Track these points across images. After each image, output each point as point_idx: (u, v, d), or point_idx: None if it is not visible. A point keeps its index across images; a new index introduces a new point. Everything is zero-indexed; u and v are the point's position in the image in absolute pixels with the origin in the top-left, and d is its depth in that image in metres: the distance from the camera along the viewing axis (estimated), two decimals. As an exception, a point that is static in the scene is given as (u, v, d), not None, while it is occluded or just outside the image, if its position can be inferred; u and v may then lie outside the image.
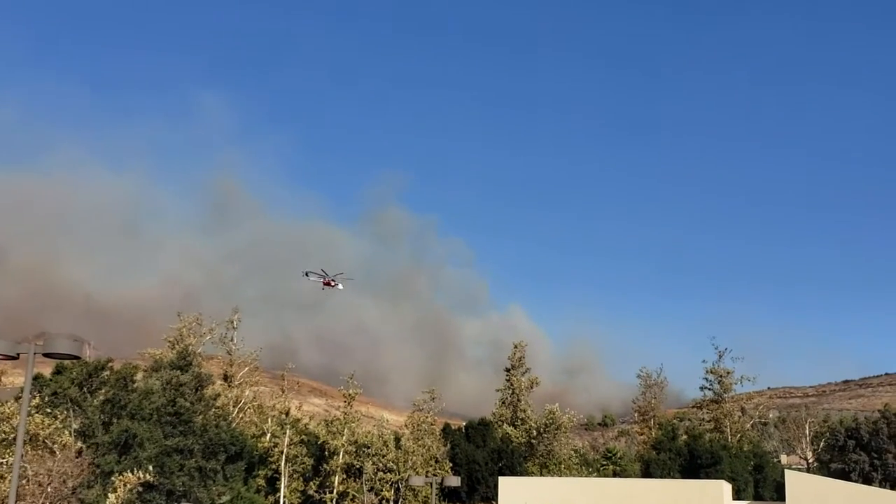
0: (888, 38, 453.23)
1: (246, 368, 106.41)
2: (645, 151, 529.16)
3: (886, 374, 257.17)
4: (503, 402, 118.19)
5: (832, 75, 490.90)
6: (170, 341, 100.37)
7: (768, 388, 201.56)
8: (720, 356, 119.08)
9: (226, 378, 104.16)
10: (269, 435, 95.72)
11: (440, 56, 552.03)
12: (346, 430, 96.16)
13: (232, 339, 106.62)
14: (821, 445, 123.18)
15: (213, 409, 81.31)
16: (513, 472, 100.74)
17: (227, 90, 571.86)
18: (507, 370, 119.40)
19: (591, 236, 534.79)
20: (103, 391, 76.71)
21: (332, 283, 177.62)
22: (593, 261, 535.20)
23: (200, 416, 75.92)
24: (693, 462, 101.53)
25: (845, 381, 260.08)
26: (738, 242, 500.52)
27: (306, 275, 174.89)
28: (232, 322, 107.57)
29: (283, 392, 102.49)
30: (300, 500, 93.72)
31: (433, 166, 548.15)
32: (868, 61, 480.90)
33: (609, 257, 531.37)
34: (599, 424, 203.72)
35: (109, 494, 55.35)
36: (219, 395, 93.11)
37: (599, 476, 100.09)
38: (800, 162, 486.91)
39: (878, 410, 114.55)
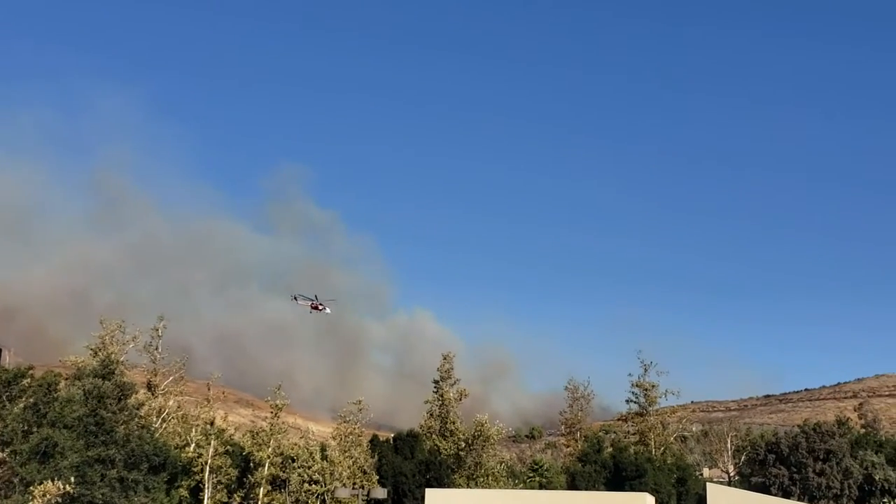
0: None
1: (171, 378, 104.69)
2: (561, 151, 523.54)
3: (806, 389, 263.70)
4: (431, 414, 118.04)
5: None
6: (92, 349, 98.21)
7: (692, 401, 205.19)
8: (646, 370, 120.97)
9: (149, 387, 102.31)
10: (193, 445, 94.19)
11: (345, 54, 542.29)
12: (272, 441, 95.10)
13: (157, 348, 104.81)
14: (742, 459, 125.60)
15: (136, 419, 79.84)
16: (440, 484, 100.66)
17: (120, 83, 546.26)
18: (436, 382, 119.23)
19: (502, 240, 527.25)
20: (24, 399, 74.80)
21: (320, 308, 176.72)
22: (502, 265, 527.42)
23: (123, 426, 74.50)
24: (618, 474, 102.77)
25: (766, 396, 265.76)
26: (658, 250, 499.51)
27: (294, 298, 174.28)
28: (157, 330, 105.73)
29: (208, 402, 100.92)
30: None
31: (337, 164, 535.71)
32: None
33: (518, 262, 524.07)
34: (527, 437, 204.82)
35: (27, 505, 53.88)
36: (142, 404, 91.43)
37: (526, 488, 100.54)
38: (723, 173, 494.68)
39: (798, 425, 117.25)
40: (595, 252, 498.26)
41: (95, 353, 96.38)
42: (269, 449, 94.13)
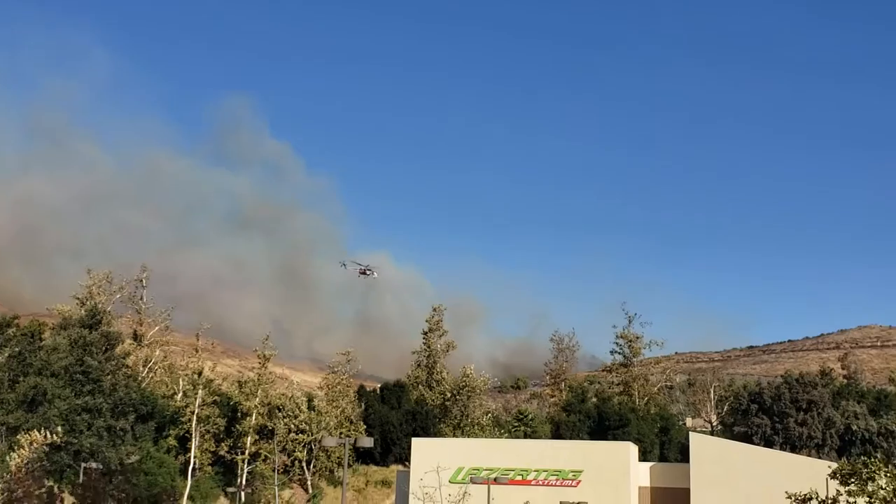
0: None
1: (156, 328, 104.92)
2: (533, 105, 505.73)
3: (789, 340, 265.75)
4: (419, 365, 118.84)
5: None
6: (78, 299, 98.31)
7: (676, 352, 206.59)
8: (630, 321, 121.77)
9: (136, 337, 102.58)
10: (180, 395, 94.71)
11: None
12: (259, 391, 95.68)
13: (141, 298, 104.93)
14: (725, 409, 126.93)
15: (123, 369, 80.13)
16: (427, 433, 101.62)
17: (59, 14, 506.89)
18: (425, 333, 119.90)
19: (466, 189, 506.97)
20: (8, 348, 74.88)
21: (368, 272, 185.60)
22: (467, 214, 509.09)
23: (110, 376, 74.78)
24: (602, 424, 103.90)
25: (750, 347, 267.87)
26: (640, 201, 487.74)
27: (343, 265, 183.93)
28: (141, 281, 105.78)
29: (196, 352, 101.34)
30: (211, 461, 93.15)
31: (293, 96, 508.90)
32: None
33: (485, 211, 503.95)
34: (512, 387, 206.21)
35: (13, 453, 54.05)
36: (128, 354, 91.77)
37: (511, 437, 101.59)
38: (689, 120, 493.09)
39: (781, 376, 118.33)
40: (568, 202, 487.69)
41: (82, 303, 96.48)
42: (257, 399, 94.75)
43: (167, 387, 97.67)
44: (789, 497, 30.08)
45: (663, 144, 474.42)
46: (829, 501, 28.83)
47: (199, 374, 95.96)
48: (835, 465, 31.03)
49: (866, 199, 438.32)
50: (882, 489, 27.48)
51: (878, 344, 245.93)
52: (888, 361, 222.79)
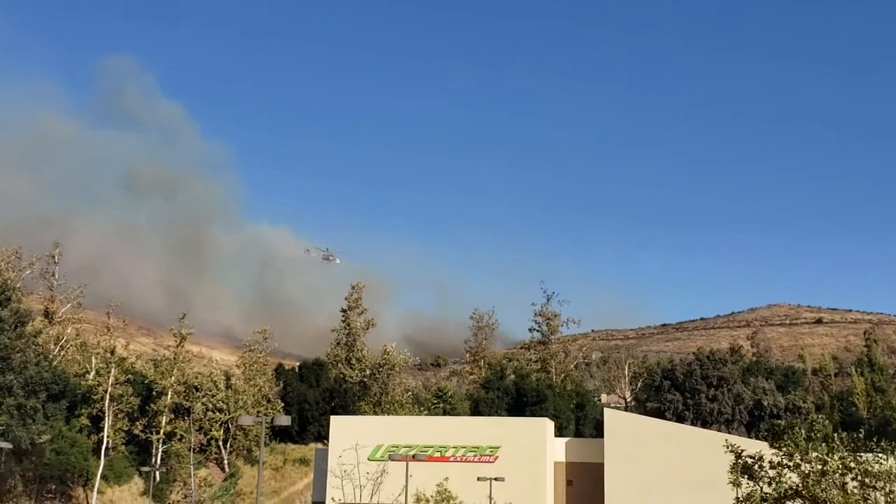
0: None
1: (69, 305, 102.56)
2: (449, 76, 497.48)
3: (701, 318, 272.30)
4: (338, 343, 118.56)
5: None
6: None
7: (592, 330, 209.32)
8: (548, 299, 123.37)
9: (47, 314, 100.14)
10: (93, 373, 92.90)
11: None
12: (175, 370, 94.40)
13: (53, 275, 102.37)
14: (638, 385, 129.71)
15: (34, 347, 78.14)
16: (346, 411, 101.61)
17: None
18: (344, 311, 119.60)
19: (372, 163, 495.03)
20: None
21: (331, 258, 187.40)
22: (371, 188, 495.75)
23: (20, 354, 72.82)
24: (520, 400, 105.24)
25: (663, 325, 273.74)
26: (554, 175, 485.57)
27: (307, 251, 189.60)
28: (53, 257, 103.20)
29: (108, 330, 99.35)
30: (125, 440, 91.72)
31: (189, 63, 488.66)
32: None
33: (389, 185, 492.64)
34: (432, 364, 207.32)
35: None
36: (40, 332, 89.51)
37: (430, 414, 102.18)
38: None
39: (693, 353, 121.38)
40: (477, 172, 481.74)
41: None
42: (173, 377, 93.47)
43: (80, 365, 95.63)
44: (726, 446, 30.83)
45: (577, 114, 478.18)
46: (767, 465, 29.73)
47: (112, 352, 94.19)
48: (744, 439, 32.12)
49: (776, 183, 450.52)
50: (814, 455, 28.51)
51: (787, 322, 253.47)
52: (796, 339, 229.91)
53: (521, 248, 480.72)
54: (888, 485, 28.96)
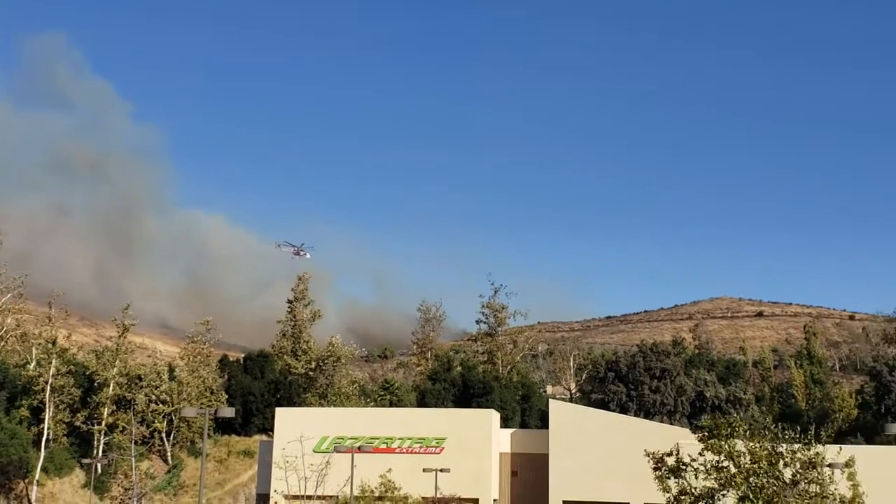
0: None
1: (9, 295, 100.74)
2: (364, 59, 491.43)
3: (645, 310, 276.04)
4: (284, 334, 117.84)
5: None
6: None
7: (538, 322, 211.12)
8: (496, 291, 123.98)
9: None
10: (33, 364, 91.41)
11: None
12: (117, 361, 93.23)
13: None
14: (583, 377, 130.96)
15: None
16: (291, 403, 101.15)
17: None
18: (290, 302, 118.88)
19: (309, 149, 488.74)
20: None
21: (301, 253, 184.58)
22: (308, 172, 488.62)
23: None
24: (466, 392, 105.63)
25: (608, 317, 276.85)
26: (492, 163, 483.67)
27: (278, 246, 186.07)
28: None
29: (50, 320, 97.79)
30: (66, 432, 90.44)
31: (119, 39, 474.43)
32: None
33: (325, 173, 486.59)
34: (379, 356, 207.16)
35: None
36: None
37: (377, 406, 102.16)
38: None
39: (636, 345, 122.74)
40: (417, 160, 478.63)
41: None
42: (115, 369, 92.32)
43: (20, 356, 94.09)
44: (647, 455, 31.29)
45: (525, 102, 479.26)
46: (688, 458, 30.14)
47: (53, 342, 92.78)
48: (685, 430, 32.51)
49: (719, 177, 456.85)
50: (741, 447, 28.95)
51: (729, 315, 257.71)
52: (737, 332, 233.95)
53: (464, 238, 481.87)
54: (817, 472, 29.56)
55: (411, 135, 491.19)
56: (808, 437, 29.00)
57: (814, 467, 29.18)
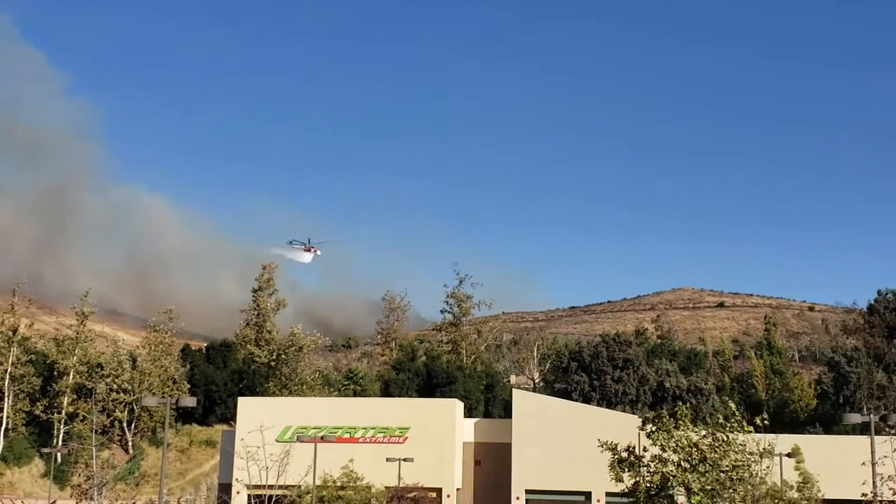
0: None
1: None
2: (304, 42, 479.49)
3: (608, 301, 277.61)
4: (247, 323, 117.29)
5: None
6: None
7: (503, 312, 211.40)
8: (461, 282, 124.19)
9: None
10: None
11: None
12: (77, 349, 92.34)
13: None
14: (547, 367, 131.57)
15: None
16: (254, 392, 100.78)
17: None
18: (255, 291, 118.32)
19: (253, 129, 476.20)
20: None
21: (312, 250, 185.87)
22: (249, 154, 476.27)
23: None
24: (430, 382, 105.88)
25: (572, 308, 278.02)
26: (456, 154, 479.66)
27: (290, 242, 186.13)
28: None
29: (12, 308, 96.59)
30: (25, 421, 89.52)
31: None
32: None
33: (274, 156, 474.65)
34: (343, 346, 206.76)
35: None
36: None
37: (341, 395, 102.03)
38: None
39: (599, 335, 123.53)
40: (371, 146, 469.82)
41: None
42: (75, 357, 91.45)
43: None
44: (601, 445, 31.46)
45: (496, 88, 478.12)
46: (641, 450, 30.31)
47: (15, 331, 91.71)
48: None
49: (682, 169, 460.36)
50: (684, 439, 29.14)
51: (690, 306, 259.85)
52: (699, 322, 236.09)
53: (426, 227, 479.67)
54: (755, 460, 29.88)
55: (373, 125, 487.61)
56: (736, 422, 29.18)
57: (759, 456, 29.46)
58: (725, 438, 28.67)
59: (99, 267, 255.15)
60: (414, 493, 62.17)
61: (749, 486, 28.96)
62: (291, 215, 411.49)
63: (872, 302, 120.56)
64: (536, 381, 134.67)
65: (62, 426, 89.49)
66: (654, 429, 29.39)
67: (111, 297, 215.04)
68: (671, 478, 28.55)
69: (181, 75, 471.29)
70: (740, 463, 28.49)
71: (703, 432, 29.02)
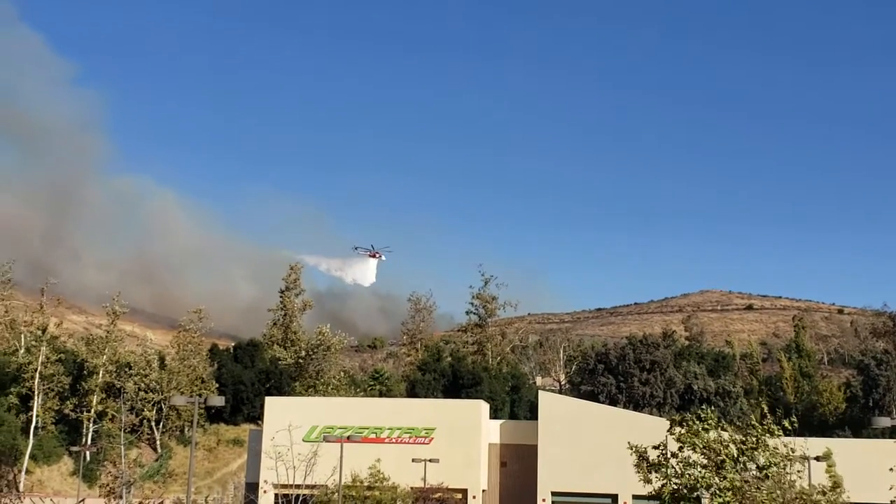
0: None
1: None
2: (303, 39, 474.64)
3: (636, 303, 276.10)
4: (275, 323, 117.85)
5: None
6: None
7: (528, 313, 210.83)
8: (486, 283, 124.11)
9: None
10: (23, 351, 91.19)
11: None
12: (107, 348, 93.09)
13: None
14: (573, 368, 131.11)
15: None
16: (281, 392, 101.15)
17: None
18: (282, 291, 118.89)
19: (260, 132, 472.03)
20: None
21: (377, 255, 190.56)
22: (263, 150, 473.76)
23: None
24: (456, 382, 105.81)
25: (598, 309, 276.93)
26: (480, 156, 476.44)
27: (355, 249, 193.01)
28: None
29: (41, 308, 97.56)
30: (55, 419, 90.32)
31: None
32: None
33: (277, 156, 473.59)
34: (369, 346, 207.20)
35: None
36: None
37: (366, 396, 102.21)
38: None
39: (626, 337, 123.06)
40: (401, 149, 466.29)
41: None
42: (104, 356, 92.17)
43: (8, 343, 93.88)
44: (630, 448, 31.39)
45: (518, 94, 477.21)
46: (669, 453, 30.22)
47: (44, 330, 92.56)
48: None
49: (710, 171, 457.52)
50: (712, 441, 29.02)
51: (718, 308, 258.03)
52: (727, 325, 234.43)
53: (456, 230, 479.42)
54: (787, 464, 29.66)
55: (399, 127, 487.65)
56: (768, 426, 28.97)
57: (787, 460, 29.31)
58: (757, 440, 28.55)
59: (108, 259, 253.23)
60: (439, 494, 62.20)
61: (779, 490, 28.75)
62: (301, 211, 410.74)
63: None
64: (562, 382, 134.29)
65: (91, 425, 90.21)
66: (682, 431, 29.31)
67: (123, 293, 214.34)
68: (699, 479, 28.46)
69: (184, 67, 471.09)
70: (772, 462, 28.36)
71: (734, 434, 28.91)
